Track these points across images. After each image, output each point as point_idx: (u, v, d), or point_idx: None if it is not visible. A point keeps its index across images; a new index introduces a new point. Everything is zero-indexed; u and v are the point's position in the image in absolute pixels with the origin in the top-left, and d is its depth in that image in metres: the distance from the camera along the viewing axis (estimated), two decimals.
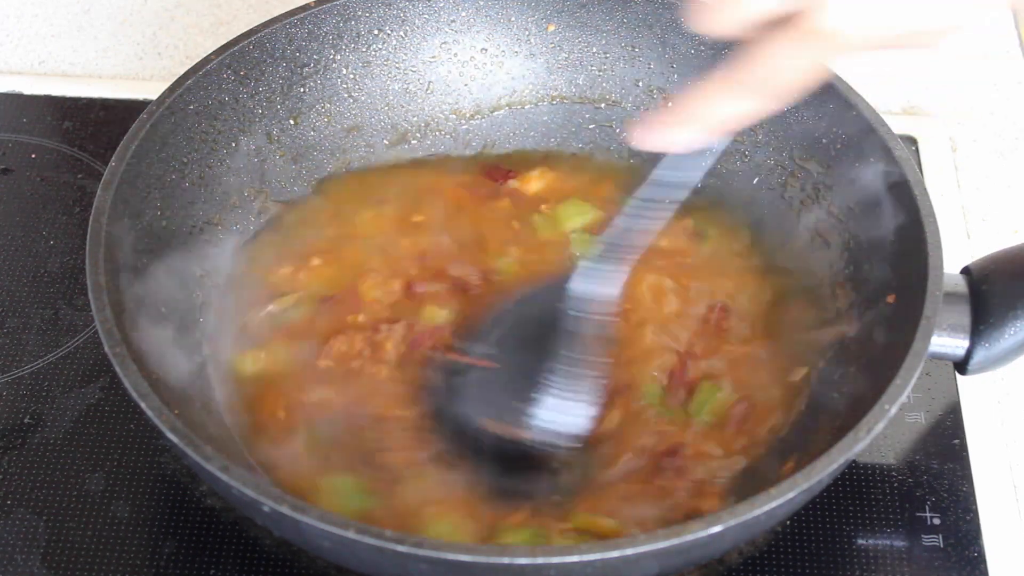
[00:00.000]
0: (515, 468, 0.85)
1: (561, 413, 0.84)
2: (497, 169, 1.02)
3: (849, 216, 0.93)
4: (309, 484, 0.83)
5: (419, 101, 1.06)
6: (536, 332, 0.87)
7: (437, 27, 1.04)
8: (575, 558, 0.69)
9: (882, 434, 0.77)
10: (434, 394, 0.88)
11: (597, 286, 0.85)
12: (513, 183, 1.02)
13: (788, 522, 0.88)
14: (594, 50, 1.05)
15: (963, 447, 0.93)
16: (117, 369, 0.77)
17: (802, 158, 0.97)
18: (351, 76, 1.03)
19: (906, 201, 0.86)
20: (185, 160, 0.93)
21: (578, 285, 0.85)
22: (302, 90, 1.01)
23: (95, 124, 1.14)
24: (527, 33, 1.05)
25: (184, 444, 0.74)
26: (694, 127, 0.69)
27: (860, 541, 0.88)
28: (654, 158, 0.76)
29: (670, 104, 0.72)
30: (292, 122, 1.01)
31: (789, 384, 0.90)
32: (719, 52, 0.97)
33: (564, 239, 0.98)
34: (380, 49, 1.03)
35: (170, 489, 0.90)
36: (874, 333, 0.86)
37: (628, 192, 0.81)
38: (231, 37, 0.96)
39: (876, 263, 0.89)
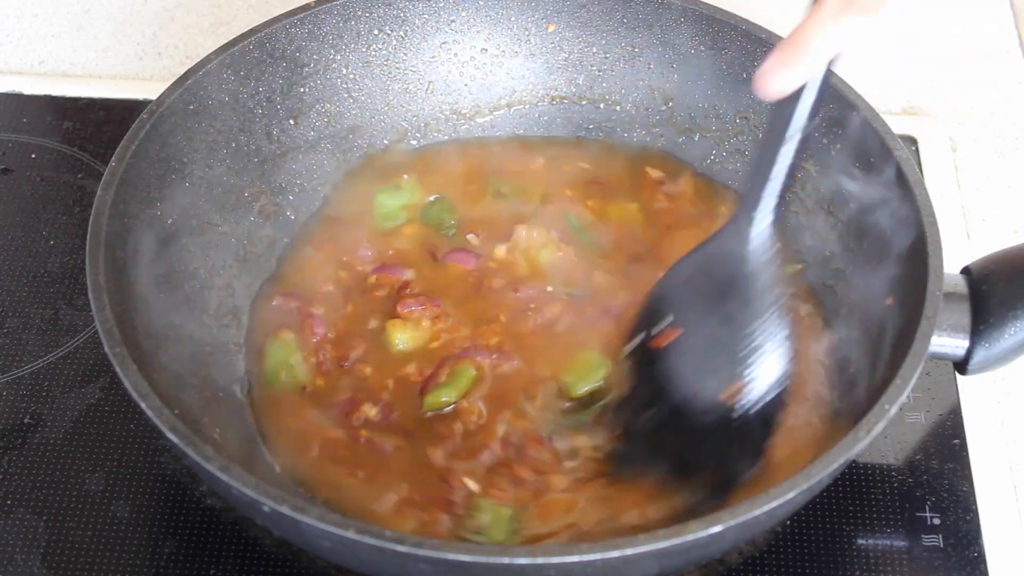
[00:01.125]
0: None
1: (768, 367, 0.84)
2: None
3: (849, 216, 0.93)
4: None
5: (419, 101, 1.06)
6: (709, 296, 0.87)
7: (437, 27, 1.04)
8: (575, 558, 0.69)
9: (882, 434, 0.77)
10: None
11: (763, 234, 0.84)
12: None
13: (788, 522, 0.88)
14: (594, 50, 1.05)
15: (963, 447, 0.93)
16: (117, 369, 0.77)
17: (802, 158, 0.97)
18: (351, 76, 1.03)
19: (906, 201, 0.86)
20: (185, 160, 0.93)
21: (753, 239, 0.85)
22: (302, 90, 1.01)
23: (95, 124, 1.14)
24: (527, 33, 1.05)
25: (184, 444, 0.74)
26: (811, 61, 0.74)
27: (860, 541, 0.88)
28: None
29: (778, 47, 0.76)
30: (292, 122, 1.01)
31: None
32: (719, 52, 0.99)
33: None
34: (380, 49, 1.03)
35: (170, 489, 0.90)
36: (874, 333, 0.86)
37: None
38: (231, 37, 0.96)
39: (876, 263, 0.89)
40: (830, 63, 0.76)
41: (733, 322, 0.84)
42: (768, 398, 0.84)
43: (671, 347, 0.87)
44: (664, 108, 1.04)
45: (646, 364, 0.88)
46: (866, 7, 0.72)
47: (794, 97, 0.77)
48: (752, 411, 0.84)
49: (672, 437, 0.86)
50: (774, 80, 0.75)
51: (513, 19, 1.05)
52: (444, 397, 0.89)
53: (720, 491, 0.83)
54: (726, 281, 0.85)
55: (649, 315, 0.89)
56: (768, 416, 0.84)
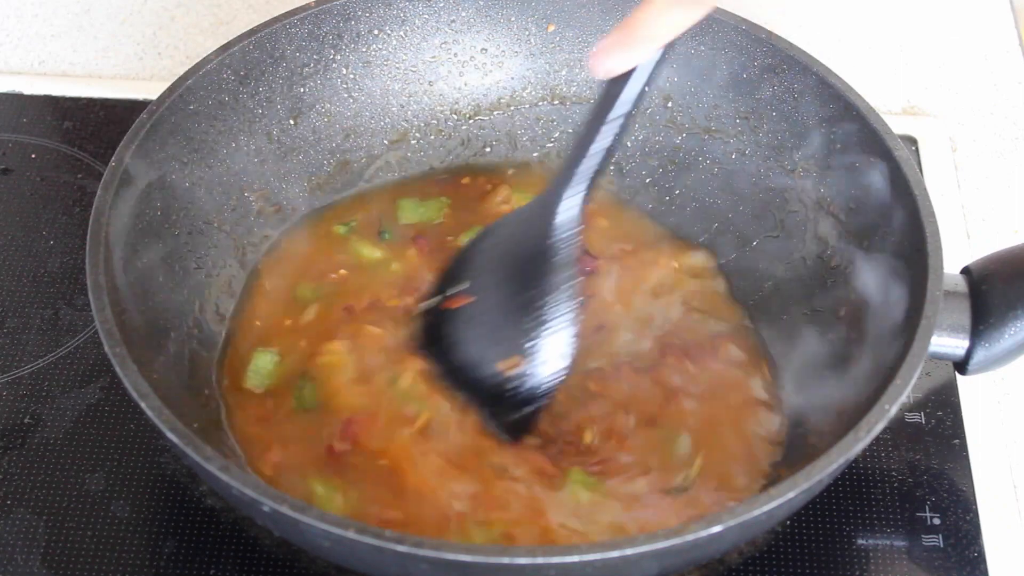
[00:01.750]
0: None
1: (551, 345, 0.86)
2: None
3: (849, 216, 0.93)
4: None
5: (419, 101, 1.06)
6: (507, 265, 0.88)
7: (437, 27, 1.04)
8: (575, 558, 0.69)
9: (882, 434, 0.77)
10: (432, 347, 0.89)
11: (570, 211, 0.86)
12: None
13: (788, 522, 0.88)
14: (594, 50, 1.05)
15: (963, 447, 0.93)
16: (117, 369, 0.77)
17: (802, 158, 0.97)
18: (351, 76, 1.03)
19: (906, 201, 0.86)
20: (185, 160, 0.93)
21: (559, 213, 0.86)
22: (302, 90, 1.01)
23: (95, 124, 1.14)
24: (527, 33, 1.05)
25: (184, 444, 0.74)
26: (645, 44, 0.77)
27: (860, 541, 0.88)
28: None
29: (614, 30, 0.78)
30: (292, 122, 1.01)
31: None
32: (718, 52, 0.99)
33: None
34: (380, 49, 1.03)
35: (170, 489, 0.89)
36: (874, 333, 0.86)
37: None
38: (231, 37, 0.96)
39: (876, 263, 0.89)
40: (663, 49, 0.79)
41: (524, 294, 0.86)
42: (546, 382, 0.86)
43: (462, 311, 0.88)
44: (664, 108, 1.04)
45: (436, 326, 0.90)
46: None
47: (624, 78, 0.80)
48: (524, 391, 0.86)
49: (458, 386, 0.87)
50: (608, 60, 0.79)
51: (513, 19, 1.05)
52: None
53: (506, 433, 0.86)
54: (527, 252, 0.87)
55: (448, 278, 0.91)
56: (538, 399, 0.86)
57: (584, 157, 0.84)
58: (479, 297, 0.88)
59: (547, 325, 0.85)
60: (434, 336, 0.90)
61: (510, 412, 0.87)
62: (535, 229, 0.87)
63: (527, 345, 0.86)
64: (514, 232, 0.89)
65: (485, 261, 0.90)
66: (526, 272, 0.87)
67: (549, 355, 0.86)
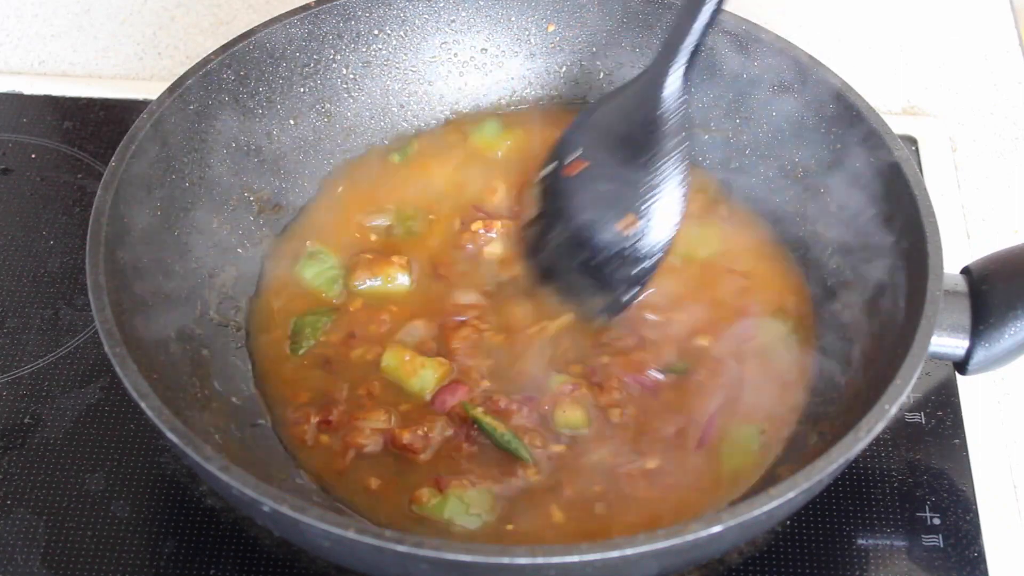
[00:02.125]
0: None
1: (663, 205, 0.92)
2: None
3: (849, 216, 0.93)
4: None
5: (419, 101, 1.06)
6: (619, 134, 0.94)
7: (437, 27, 1.04)
8: (575, 558, 0.69)
9: (882, 434, 0.77)
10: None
11: (676, 83, 0.93)
12: None
13: (788, 522, 0.88)
14: (594, 50, 1.05)
15: (963, 447, 0.93)
16: (117, 369, 0.77)
17: (802, 158, 0.97)
18: (351, 76, 1.03)
19: (906, 201, 0.86)
20: (185, 160, 0.93)
21: (667, 86, 0.93)
22: (302, 90, 1.01)
23: (95, 124, 1.14)
24: (527, 33, 1.05)
25: (184, 444, 0.74)
26: None
27: (860, 541, 0.88)
28: None
29: None
30: (292, 122, 1.01)
31: None
32: (719, 52, 0.99)
33: None
34: (380, 49, 1.03)
35: (170, 489, 0.89)
36: (874, 333, 0.86)
37: None
38: (231, 37, 0.96)
39: (876, 263, 0.89)
40: None
41: (638, 160, 0.93)
42: (659, 240, 0.92)
43: (579, 176, 0.95)
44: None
45: (556, 191, 0.96)
46: None
47: None
48: (642, 246, 0.92)
49: (571, 258, 0.94)
50: None
51: (513, 19, 1.05)
52: None
53: (610, 310, 0.93)
54: (638, 122, 0.94)
55: (563, 147, 0.97)
56: (653, 255, 0.92)
57: (687, 35, 0.91)
58: (594, 162, 0.94)
59: (659, 187, 0.92)
60: (554, 203, 0.96)
61: (621, 282, 0.92)
62: (645, 101, 0.93)
63: (642, 206, 0.92)
64: (624, 104, 0.95)
65: (597, 131, 0.96)
66: (638, 140, 0.93)
67: (661, 216, 0.92)
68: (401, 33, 1.03)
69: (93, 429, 0.93)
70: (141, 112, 0.90)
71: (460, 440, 0.87)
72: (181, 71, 0.93)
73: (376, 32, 1.03)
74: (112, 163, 0.87)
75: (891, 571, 0.86)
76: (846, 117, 0.92)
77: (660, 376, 0.90)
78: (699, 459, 0.86)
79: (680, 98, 0.92)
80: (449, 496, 0.83)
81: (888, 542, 0.88)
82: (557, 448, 0.86)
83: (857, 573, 0.86)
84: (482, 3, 1.04)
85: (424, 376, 0.89)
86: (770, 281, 0.96)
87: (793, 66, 0.95)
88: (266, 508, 0.72)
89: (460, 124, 1.05)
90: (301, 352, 0.92)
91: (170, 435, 0.74)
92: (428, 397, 0.89)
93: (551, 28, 1.05)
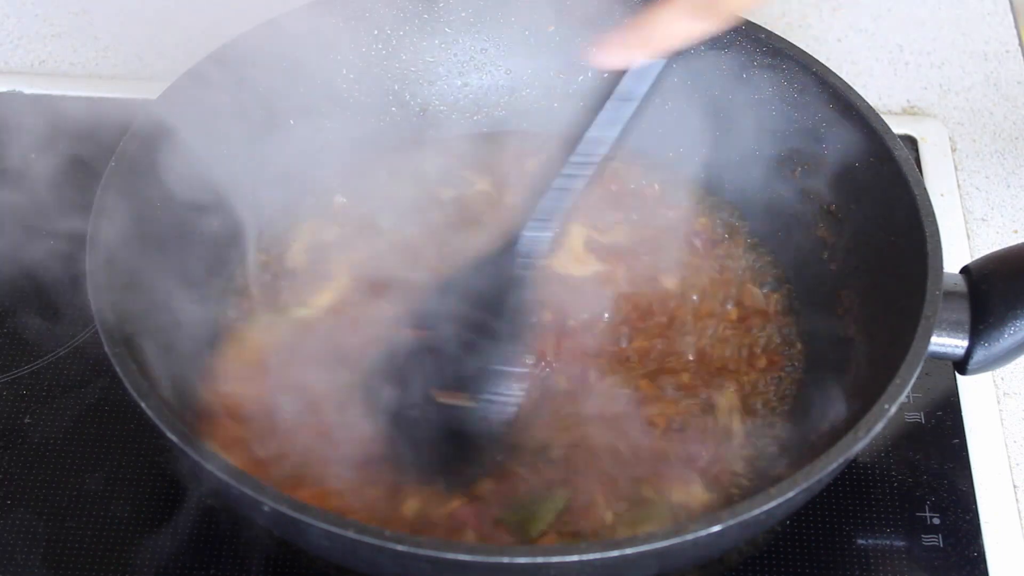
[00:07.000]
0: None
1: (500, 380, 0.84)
2: None
3: (849, 216, 0.93)
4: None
5: (419, 101, 1.06)
6: (473, 300, 0.86)
7: (437, 27, 1.04)
8: (575, 558, 0.69)
9: (882, 434, 0.77)
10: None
11: (541, 245, 0.85)
12: None
13: (788, 522, 0.88)
14: (594, 50, 1.05)
15: (963, 447, 0.93)
16: (117, 369, 0.77)
17: (802, 158, 0.97)
18: (351, 76, 1.03)
19: (906, 201, 0.86)
20: (184, 161, 0.93)
21: (527, 243, 0.85)
22: (302, 90, 1.01)
23: (95, 124, 1.14)
24: (527, 33, 1.05)
25: (184, 444, 0.74)
26: (648, 47, 0.77)
27: (860, 541, 0.88)
28: None
29: (624, 27, 0.78)
30: (292, 122, 1.01)
31: None
32: (719, 52, 0.99)
33: None
34: (380, 49, 1.03)
35: (170, 489, 0.89)
36: (874, 333, 0.86)
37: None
38: (231, 37, 0.96)
39: (876, 263, 0.89)
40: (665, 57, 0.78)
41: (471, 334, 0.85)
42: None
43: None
44: (664, 108, 1.04)
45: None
46: (720, 12, 0.74)
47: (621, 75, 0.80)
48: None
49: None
50: (612, 58, 0.78)
51: (513, 19, 1.05)
52: None
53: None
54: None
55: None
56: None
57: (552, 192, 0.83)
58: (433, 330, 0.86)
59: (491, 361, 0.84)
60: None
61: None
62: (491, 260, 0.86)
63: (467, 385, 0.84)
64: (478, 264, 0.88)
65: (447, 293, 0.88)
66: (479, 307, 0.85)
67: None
68: (401, 33, 1.03)
69: (93, 429, 0.93)
70: (141, 112, 0.90)
71: None
72: (181, 71, 0.94)
73: (376, 32, 1.03)
74: (112, 163, 0.87)
75: (891, 571, 0.86)
76: (846, 117, 0.92)
77: None
78: None
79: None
80: None
81: (888, 542, 0.88)
82: None
83: (857, 573, 0.86)
84: (482, 3, 1.04)
85: None
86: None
87: (793, 66, 0.95)
88: (266, 508, 0.72)
89: None
90: None
91: (170, 435, 0.74)
92: None
93: (551, 28, 1.05)
